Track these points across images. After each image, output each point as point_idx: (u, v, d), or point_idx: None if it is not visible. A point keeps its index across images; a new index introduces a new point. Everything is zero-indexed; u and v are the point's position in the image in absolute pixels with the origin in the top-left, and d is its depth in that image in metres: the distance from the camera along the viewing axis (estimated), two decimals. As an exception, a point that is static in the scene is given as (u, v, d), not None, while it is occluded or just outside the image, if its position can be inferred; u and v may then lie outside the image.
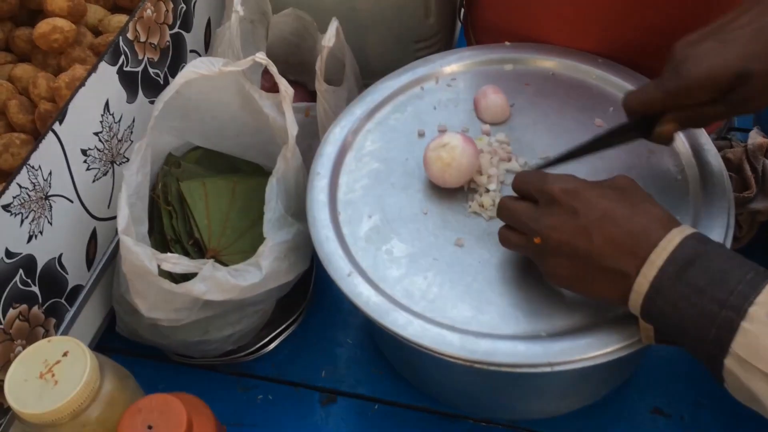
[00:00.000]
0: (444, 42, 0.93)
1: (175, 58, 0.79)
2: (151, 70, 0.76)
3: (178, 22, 0.80)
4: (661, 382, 0.71)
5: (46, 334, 0.64)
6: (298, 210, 0.70)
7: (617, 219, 0.50)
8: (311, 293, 0.78)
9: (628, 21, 0.70)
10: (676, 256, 0.47)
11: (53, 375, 0.57)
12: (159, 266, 0.62)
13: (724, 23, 0.52)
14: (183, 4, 0.80)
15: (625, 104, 0.57)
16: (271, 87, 0.73)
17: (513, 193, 0.57)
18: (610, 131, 0.60)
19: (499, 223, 0.58)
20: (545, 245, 0.52)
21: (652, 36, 0.69)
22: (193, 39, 0.83)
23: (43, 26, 0.73)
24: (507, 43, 0.76)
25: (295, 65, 0.92)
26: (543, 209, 0.53)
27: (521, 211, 0.54)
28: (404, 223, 0.63)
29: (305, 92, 0.93)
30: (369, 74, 0.84)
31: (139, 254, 0.59)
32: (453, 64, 0.75)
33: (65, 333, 0.66)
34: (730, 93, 0.51)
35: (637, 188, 0.53)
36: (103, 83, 0.68)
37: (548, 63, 0.74)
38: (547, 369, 0.51)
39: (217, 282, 0.62)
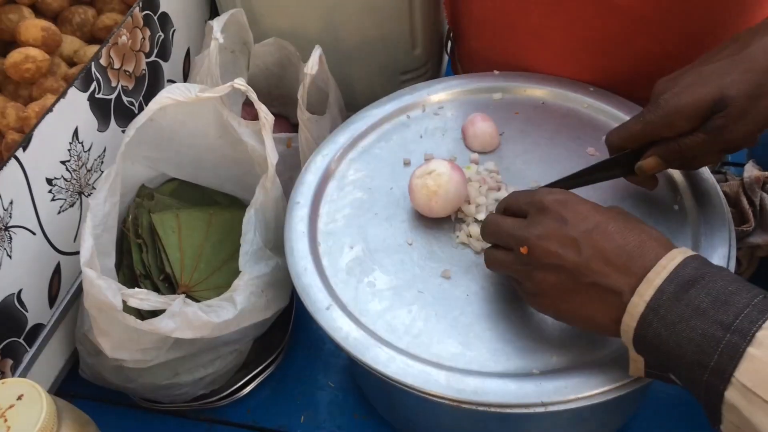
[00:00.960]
0: (431, 73, 0.91)
1: (151, 86, 0.77)
2: (125, 98, 0.73)
3: (156, 51, 0.78)
4: (664, 425, 0.67)
5: (2, 376, 0.60)
6: (277, 243, 0.67)
7: (610, 233, 0.47)
8: (290, 333, 0.74)
9: (620, 49, 0.68)
10: (677, 275, 0.44)
11: (6, 420, 0.53)
12: (125, 302, 0.58)
13: (704, 60, 0.54)
14: (161, 33, 0.78)
15: (608, 140, 0.58)
16: (253, 119, 0.71)
17: None
18: (593, 167, 0.59)
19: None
20: (532, 255, 0.49)
21: (644, 64, 0.67)
22: (171, 68, 0.81)
23: (15, 56, 0.71)
24: (496, 72, 0.74)
25: (278, 97, 0.90)
26: (531, 219, 0.50)
27: (508, 224, 0.51)
28: (388, 254, 0.59)
29: (288, 125, 0.91)
30: (353, 107, 0.81)
31: (102, 288, 0.55)
32: (440, 93, 0.73)
33: (23, 375, 0.62)
34: (709, 121, 0.52)
35: (632, 215, 0.50)
36: (73, 110, 0.66)
37: (538, 92, 0.72)
38: (540, 409, 0.47)
39: (187, 318, 0.58)
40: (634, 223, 0.48)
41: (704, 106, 0.51)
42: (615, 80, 0.70)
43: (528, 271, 0.50)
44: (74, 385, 0.71)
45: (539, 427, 0.58)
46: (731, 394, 0.40)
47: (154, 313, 0.60)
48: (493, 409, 0.48)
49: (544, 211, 0.49)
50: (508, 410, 0.48)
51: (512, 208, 0.53)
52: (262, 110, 0.65)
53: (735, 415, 0.41)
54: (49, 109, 0.63)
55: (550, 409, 0.47)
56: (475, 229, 0.59)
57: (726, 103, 0.50)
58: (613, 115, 0.68)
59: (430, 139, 0.69)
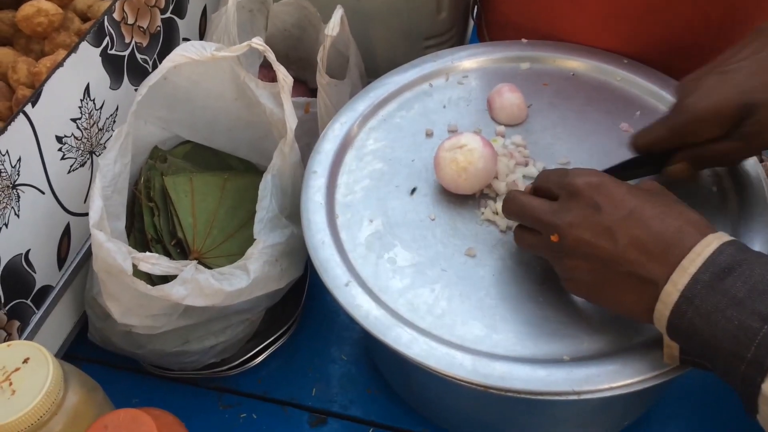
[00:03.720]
0: (456, 40, 0.88)
1: (165, 44, 0.74)
2: (138, 56, 0.70)
3: (171, 7, 0.74)
4: (687, 412, 0.65)
5: (8, 338, 0.58)
6: (293, 211, 0.64)
7: (646, 219, 0.44)
8: (304, 303, 0.72)
9: (660, 18, 0.65)
10: (713, 262, 0.41)
11: (11, 384, 0.52)
12: (136, 267, 0.56)
13: (726, 57, 0.51)
14: (177, -13, 0.75)
15: (633, 144, 0.55)
16: (269, 82, 0.68)
17: None
18: (621, 164, 0.56)
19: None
20: (563, 244, 0.46)
21: (685, 34, 0.64)
22: (186, 26, 0.78)
23: (27, 9, 0.68)
24: (524, 40, 0.71)
25: (296, 61, 0.87)
26: (563, 204, 0.47)
27: (536, 206, 0.49)
28: (409, 230, 0.57)
29: (306, 90, 0.88)
30: (374, 73, 0.79)
31: (111, 251, 0.53)
32: (465, 61, 0.70)
33: (30, 338, 0.61)
34: (740, 127, 0.49)
35: (668, 192, 0.48)
36: (84, 65, 0.63)
37: (569, 62, 0.69)
38: (573, 397, 0.45)
39: (199, 285, 0.56)
40: (672, 206, 0.46)
41: (730, 112, 0.49)
42: (651, 52, 0.67)
43: (559, 257, 0.48)
44: (83, 349, 0.70)
45: (564, 413, 0.56)
46: None
47: (165, 279, 0.58)
48: (522, 396, 0.46)
49: (576, 195, 0.47)
50: (538, 397, 0.46)
51: (542, 188, 0.51)
52: (281, 71, 0.62)
53: None
54: (60, 64, 0.60)
55: (583, 397, 0.45)
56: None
57: (754, 109, 0.48)
58: (648, 89, 0.65)
59: (453, 109, 0.66)
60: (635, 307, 0.45)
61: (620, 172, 0.55)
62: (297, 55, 0.87)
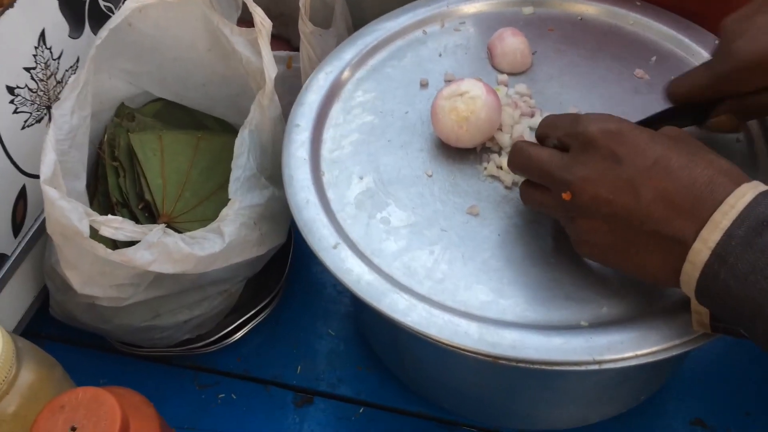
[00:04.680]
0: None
1: (131, -12, 0.67)
2: (101, 2, 0.64)
3: (137, -53, 0.68)
4: (704, 388, 0.61)
5: (-44, 313, 0.52)
6: (274, 172, 0.59)
7: (673, 170, 0.39)
8: (287, 274, 0.67)
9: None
10: (748, 215, 0.37)
11: (-43, 361, 0.47)
12: (98, 232, 0.50)
13: None
14: (143, -74, 0.68)
15: (670, 92, 0.51)
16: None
17: None
18: (656, 115, 0.51)
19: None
20: (576, 202, 0.41)
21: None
22: (154, -31, 0.71)
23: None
24: (527, -17, 0.65)
25: (277, 16, 0.82)
26: (575, 156, 0.42)
27: (545, 159, 0.43)
28: (404, 187, 0.52)
29: (288, 48, 0.83)
30: (362, 24, 0.73)
31: (65, 209, 0.47)
32: (462, 5, 0.65)
33: (-17, 312, 0.55)
34: None
35: (693, 139, 0.42)
36: (39, 9, 0.57)
37: (576, 6, 0.64)
38: (594, 367, 0.40)
39: (167, 250, 0.50)
40: (701, 154, 0.40)
41: None
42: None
43: (572, 217, 0.42)
44: (45, 326, 0.65)
45: (578, 388, 0.52)
46: None
47: (131, 246, 0.52)
48: (537, 367, 0.41)
49: (590, 145, 0.41)
50: (557, 368, 0.41)
51: (550, 137, 0.45)
52: (258, 14, 0.57)
53: None
54: (10, 5, 0.54)
55: (605, 366, 0.41)
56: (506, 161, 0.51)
57: None
58: (664, 33, 0.60)
59: (450, 57, 0.61)
60: (660, 271, 0.40)
61: (654, 125, 0.50)
62: (278, 10, 0.82)
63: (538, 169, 0.44)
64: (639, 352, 0.41)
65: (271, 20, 0.80)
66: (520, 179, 0.49)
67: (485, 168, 0.52)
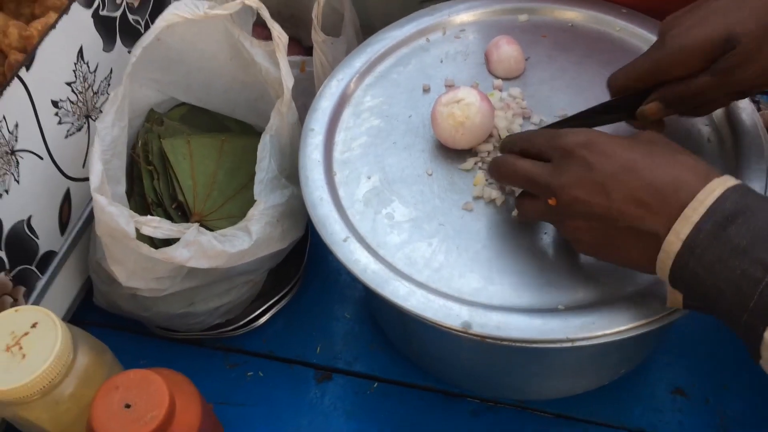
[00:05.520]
0: (452, -6, 0.86)
1: (157, 4, 0.73)
2: (130, 17, 0.70)
3: (162, -34, 0.73)
4: (685, 361, 0.66)
5: (15, 304, 0.59)
6: (292, 171, 0.64)
7: (639, 171, 0.44)
8: (306, 264, 0.73)
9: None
10: (716, 210, 0.41)
11: (21, 348, 0.53)
12: (138, 231, 0.56)
13: None
14: (167, -54, 0.74)
15: (611, 81, 0.55)
16: (263, 40, 0.67)
17: None
18: (592, 109, 0.55)
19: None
20: (560, 206, 0.46)
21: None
22: (178, -15, 0.77)
23: (16, -29, 0.67)
24: (521, -9, 0.70)
25: (288, 18, 0.86)
26: (556, 166, 0.47)
27: (528, 169, 0.48)
28: (407, 185, 0.57)
29: (300, 48, 0.87)
30: (369, 29, 0.78)
31: (114, 215, 0.54)
32: (462, 14, 0.69)
33: (37, 303, 0.62)
34: (718, 61, 0.49)
35: (667, 141, 0.47)
36: (77, 27, 0.63)
37: (567, 13, 0.68)
38: (568, 344, 0.46)
39: (202, 248, 0.56)
40: (668, 155, 0.45)
41: (712, 45, 0.49)
42: (651, 4, 0.66)
43: (560, 220, 0.48)
44: (89, 314, 0.70)
45: (561, 362, 0.57)
46: None
47: (167, 242, 0.58)
48: (517, 344, 0.47)
49: (568, 155, 0.46)
50: (534, 345, 0.47)
51: (531, 150, 0.50)
52: (276, 29, 0.62)
53: None
54: (52, 26, 0.60)
55: (578, 344, 0.46)
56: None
57: (736, 41, 0.47)
58: (647, 39, 0.64)
59: (450, 63, 0.66)
60: (641, 260, 0.45)
61: (589, 118, 0.55)
62: (289, 12, 0.86)
63: (524, 179, 0.49)
64: (608, 332, 0.47)
65: (283, 21, 0.86)
66: (502, 195, 0.55)
67: (474, 186, 0.56)
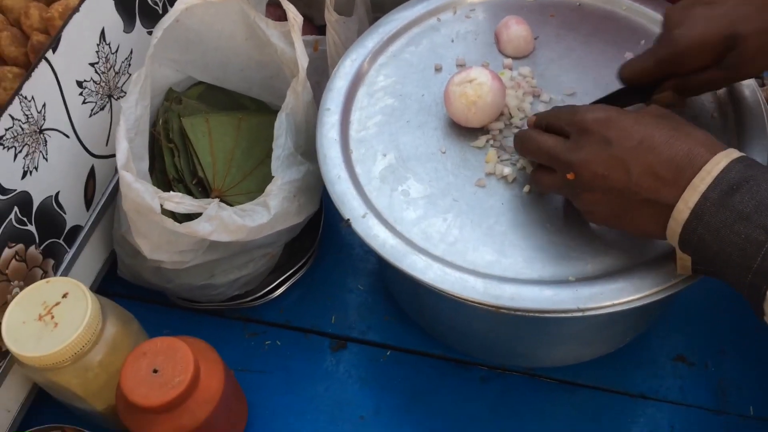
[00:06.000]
0: (461, -28, 0.87)
1: (175, -15, 0.74)
2: (149, -2, 0.71)
3: (178, -54, 0.75)
4: (685, 329, 0.69)
5: (45, 276, 0.62)
6: (308, 148, 0.66)
7: (656, 146, 0.46)
8: (320, 237, 0.75)
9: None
10: (721, 180, 0.44)
11: (53, 317, 0.55)
12: (161, 206, 0.58)
13: None
14: (182, -73, 0.75)
15: (621, 75, 0.56)
16: (278, 20, 0.69)
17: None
18: (607, 96, 0.57)
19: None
20: (579, 180, 0.49)
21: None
22: (193, -35, 0.78)
23: (35, -48, 0.68)
24: (530, -29, 0.71)
25: (302, -3, 0.87)
26: (574, 142, 0.49)
27: (551, 144, 0.50)
28: (421, 163, 0.59)
29: (312, 27, 0.88)
30: (380, 7, 0.79)
31: (140, 191, 0.56)
32: (472, -7, 0.70)
33: (64, 275, 0.64)
34: (723, 58, 0.51)
35: (674, 114, 0.49)
36: (98, 10, 0.64)
37: (575, -8, 0.69)
38: (578, 314, 0.49)
39: (223, 222, 0.59)
40: (680, 129, 0.47)
41: (715, 44, 0.50)
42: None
43: (577, 193, 0.50)
44: (113, 285, 0.73)
45: (570, 330, 0.59)
46: None
47: (189, 217, 0.61)
48: (530, 314, 0.49)
49: (586, 132, 0.48)
50: (546, 315, 0.49)
51: (553, 126, 0.52)
52: (291, 10, 0.63)
53: None
54: (76, 9, 0.62)
55: (588, 314, 0.49)
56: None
57: (740, 39, 0.49)
58: (653, 18, 0.66)
59: (461, 43, 0.67)
60: (653, 228, 0.47)
61: (608, 102, 0.56)
62: (303, -8, 0.87)
63: (546, 154, 0.51)
64: (616, 301, 0.49)
65: (297, 1, 0.87)
66: (514, 171, 0.57)
67: (486, 163, 0.58)
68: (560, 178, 0.50)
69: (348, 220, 0.55)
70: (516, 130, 0.59)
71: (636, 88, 0.56)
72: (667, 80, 0.54)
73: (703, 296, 0.70)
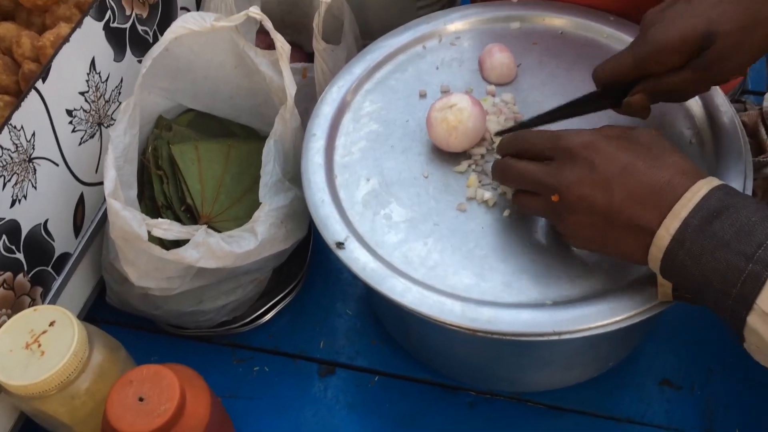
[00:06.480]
0: (447, 1, 0.89)
1: (165, 15, 0.76)
2: (139, 27, 0.72)
3: (169, -22, 0.76)
4: (671, 352, 0.69)
5: (33, 304, 0.62)
6: (295, 174, 0.67)
7: (638, 173, 0.47)
8: (309, 262, 0.76)
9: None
10: (702, 207, 0.44)
11: (39, 345, 0.55)
12: (149, 232, 0.59)
13: None
14: (173, -41, 0.77)
15: (596, 75, 0.56)
16: (267, 48, 0.70)
17: None
18: (581, 98, 0.58)
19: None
20: (563, 203, 0.49)
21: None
22: (184, -5, 0.80)
23: (27, -17, 0.70)
24: (514, 0, 0.72)
25: (291, 25, 0.89)
26: (559, 165, 0.50)
27: (532, 170, 0.51)
28: (404, 187, 0.60)
29: (302, 54, 0.90)
30: (368, 35, 0.80)
31: (127, 219, 0.57)
32: (457, 22, 0.72)
33: (52, 303, 0.64)
34: (698, 57, 0.51)
35: (661, 139, 0.50)
36: (89, 40, 0.65)
37: (557, 21, 0.71)
38: (554, 338, 0.49)
39: (211, 248, 0.59)
40: (664, 156, 0.48)
41: (692, 41, 0.50)
42: (635, 9, 0.68)
43: (561, 216, 0.50)
44: (101, 312, 0.73)
45: (550, 355, 0.60)
46: (753, 319, 0.42)
47: (177, 243, 0.61)
48: (507, 338, 0.50)
49: (571, 155, 0.49)
50: (522, 339, 0.50)
51: (531, 151, 0.53)
52: (279, 40, 0.64)
53: (755, 338, 0.43)
54: (66, 39, 0.63)
55: (563, 337, 0.49)
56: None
57: (714, 37, 0.49)
58: (634, 45, 0.67)
59: (446, 70, 0.69)
60: (635, 253, 0.48)
61: (578, 106, 0.58)
62: (292, 20, 0.89)
63: (530, 180, 0.51)
64: (592, 325, 0.49)
65: (286, 28, 0.89)
66: (495, 196, 0.57)
67: (467, 187, 0.59)
68: (544, 201, 0.51)
69: (345, 240, 0.55)
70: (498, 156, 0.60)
71: (608, 92, 0.57)
72: (639, 83, 0.55)
73: (689, 319, 0.70)
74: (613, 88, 0.56)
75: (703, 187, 0.45)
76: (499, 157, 0.56)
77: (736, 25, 0.49)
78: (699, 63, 0.51)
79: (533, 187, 0.52)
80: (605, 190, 0.47)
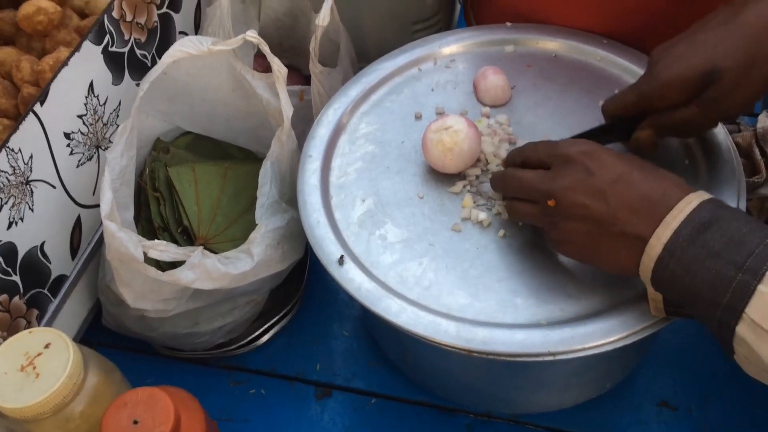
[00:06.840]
0: (443, 24, 0.90)
1: (163, 39, 0.77)
2: (138, 51, 0.73)
3: (167, 2, 0.77)
4: (669, 373, 0.69)
5: (28, 326, 0.62)
6: (292, 196, 0.67)
7: (633, 182, 0.48)
8: (305, 284, 0.76)
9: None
10: (693, 218, 0.45)
11: (34, 368, 0.55)
12: (146, 254, 0.59)
13: (697, 27, 0.54)
14: (172, -16, 0.78)
15: (604, 108, 0.58)
16: (264, 71, 0.71)
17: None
18: (589, 131, 0.59)
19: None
20: (559, 207, 0.50)
21: (653, 16, 0.66)
22: (182, 19, 0.81)
23: (27, 8, 0.71)
24: (508, 23, 0.73)
25: (289, 48, 0.90)
26: (557, 170, 0.51)
27: (531, 177, 0.52)
28: (399, 208, 0.60)
29: (299, 77, 0.90)
30: (365, 58, 0.81)
31: (123, 240, 0.57)
32: (452, 45, 0.73)
33: (48, 325, 0.64)
34: (702, 93, 0.52)
35: (651, 163, 0.51)
36: (88, 64, 0.66)
37: (551, 44, 0.71)
38: (549, 358, 0.49)
39: (206, 270, 0.59)
40: (656, 171, 0.49)
41: (696, 78, 0.51)
42: (628, 32, 0.69)
43: (555, 221, 0.51)
44: (97, 334, 0.73)
45: (547, 376, 0.59)
46: (741, 329, 0.42)
47: (173, 265, 0.61)
48: (501, 358, 0.49)
49: (569, 162, 0.50)
50: (517, 359, 0.49)
51: (531, 160, 0.54)
52: (276, 63, 0.65)
53: (744, 348, 0.43)
54: (65, 63, 0.63)
55: (558, 358, 0.49)
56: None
57: (718, 74, 0.50)
58: (626, 68, 0.68)
59: (441, 92, 0.69)
60: (626, 262, 0.48)
61: (589, 137, 0.58)
62: (290, 43, 0.90)
63: (528, 187, 0.52)
64: (587, 345, 0.49)
65: (283, 52, 0.89)
66: (490, 216, 0.58)
67: (462, 208, 0.59)
68: (540, 206, 0.51)
69: (341, 257, 0.56)
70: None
71: (616, 126, 0.58)
72: (646, 119, 0.56)
73: (686, 341, 0.69)
74: (622, 122, 0.57)
75: (694, 199, 0.46)
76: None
77: (740, 62, 0.50)
78: (704, 98, 0.52)
79: (530, 194, 0.52)
80: (600, 197, 0.48)
